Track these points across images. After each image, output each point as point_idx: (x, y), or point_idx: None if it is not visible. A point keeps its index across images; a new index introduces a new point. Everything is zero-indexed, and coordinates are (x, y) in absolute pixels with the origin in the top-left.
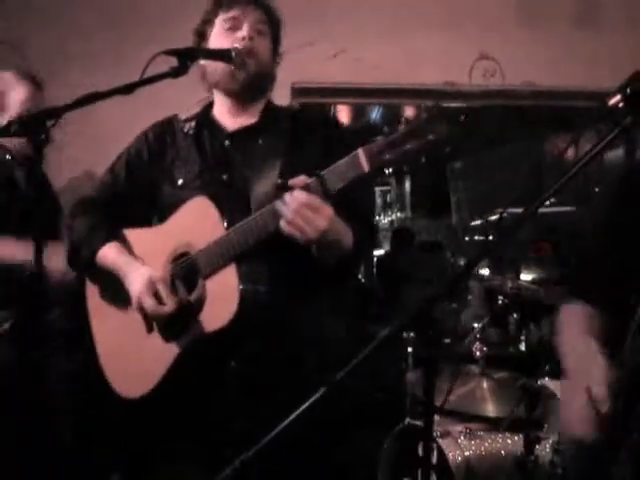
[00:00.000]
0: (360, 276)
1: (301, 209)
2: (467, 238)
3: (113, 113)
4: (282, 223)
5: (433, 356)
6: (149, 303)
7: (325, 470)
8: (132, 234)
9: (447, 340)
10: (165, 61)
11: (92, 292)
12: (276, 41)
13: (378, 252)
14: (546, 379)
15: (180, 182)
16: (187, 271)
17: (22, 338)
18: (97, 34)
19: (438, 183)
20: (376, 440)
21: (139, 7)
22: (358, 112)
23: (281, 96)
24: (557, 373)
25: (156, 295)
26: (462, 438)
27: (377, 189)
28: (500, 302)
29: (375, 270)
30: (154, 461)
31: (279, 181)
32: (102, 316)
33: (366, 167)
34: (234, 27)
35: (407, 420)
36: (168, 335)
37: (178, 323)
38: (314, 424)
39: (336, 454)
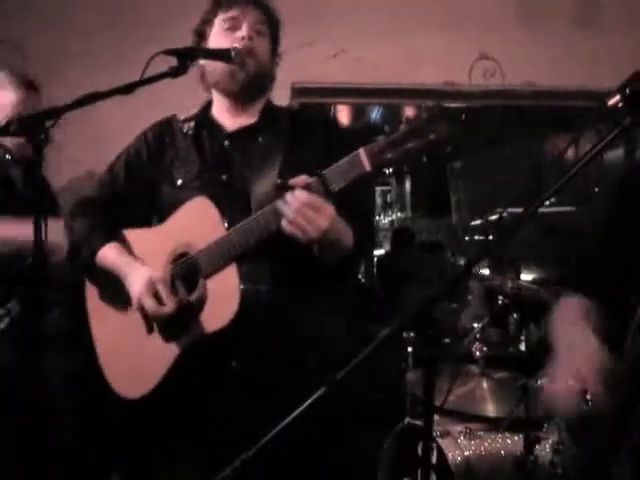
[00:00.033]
0: (360, 276)
1: (303, 208)
2: (467, 238)
3: (113, 113)
4: (283, 223)
5: (433, 356)
6: (149, 303)
7: (325, 470)
8: (132, 234)
9: (447, 340)
10: (165, 61)
11: (92, 293)
12: (275, 41)
13: (378, 252)
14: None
15: (179, 182)
16: (187, 271)
17: (21, 337)
18: (97, 34)
19: (438, 183)
20: (376, 440)
21: (139, 7)
22: (358, 112)
23: (281, 96)
24: None
25: (156, 295)
26: (462, 438)
27: (377, 189)
28: (500, 302)
29: (375, 270)
30: (154, 461)
31: (279, 181)
32: (102, 317)
33: (367, 166)
34: (233, 27)
35: (407, 420)
36: (168, 335)
37: (178, 323)
38: (314, 424)
39: (336, 454)
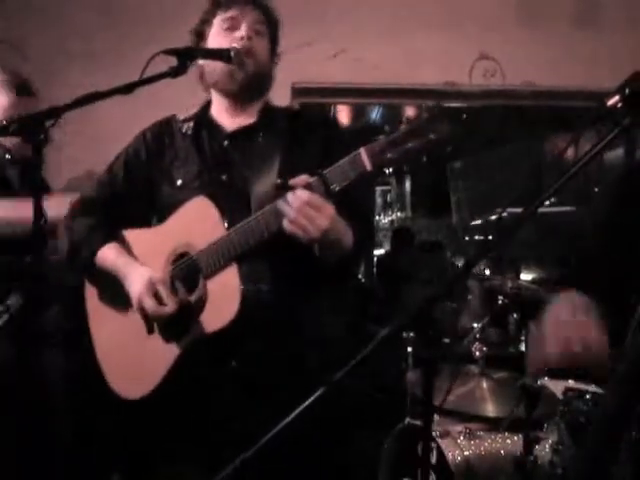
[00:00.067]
0: (360, 276)
1: (304, 208)
2: (467, 238)
3: (113, 113)
4: (284, 222)
5: (433, 356)
6: (149, 304)
7: (325, 470)
8: (131, 235)
9: (447, 340)
10: (165, 61)
11: (91, 293)
12: (274, 41)
13: (378, 252)
14: (546, 379)
15: (179, 182)
16: (187, 271)
17: (21, 336)
18: (97, 34)
19: (438, 183)
20: (376, 440)
21: (139, 7)
22: (358, 112)
23: (281, 96)
24: (557, 373)
25: (156, 296)
26: (462, 438)
27: (377, 189)
28: (500, 302)
29: (375, 270)
30: (154, 461)
31: (278, 181)
32: (101, 317)
33: (368, 166)
34: (232, 27)
35: (407, 420)
36: (169, 336)
37: (179, 324)
38: (314, 424)
39: (336, 454)
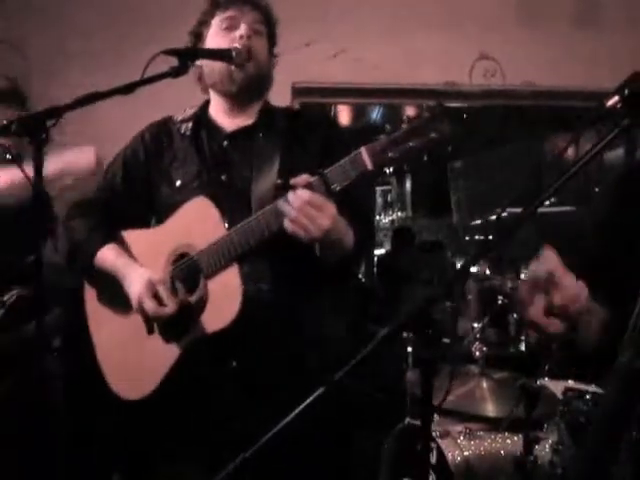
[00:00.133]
0: (361, 275)
1: (305, 207)
2: (468, 238)
3: (113, 113)
4: (285, 222)
5: (433, 356)
6: (149, 304)
7: (325, 470)
8: (131, 235)
9: (446, 340)
10: (165, 61)
11: (91, 294)
12: (272, 41)
13: (379, 251)
14: (546, 379)
15: (179, 183)
16: (188, 272)
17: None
18: (97, 34)
19: (439, 182)
20: (376, 440)
21: (139, 7)
22: (359, 112)
23: (281, 96)
24: (557, 373)
25: (156, 296)
26: (462, 438)
27: (378, 188)
28: (500, 302)
29: (376, 269)
30: (154, 461)
31: (278, 181)
32: (101, 318)
33: (369, 165)
34: (231, 27)
35: (407, 420)
36: (169, 336)
37: (179, 324)
38: (314, 424)
39: (336, 454)
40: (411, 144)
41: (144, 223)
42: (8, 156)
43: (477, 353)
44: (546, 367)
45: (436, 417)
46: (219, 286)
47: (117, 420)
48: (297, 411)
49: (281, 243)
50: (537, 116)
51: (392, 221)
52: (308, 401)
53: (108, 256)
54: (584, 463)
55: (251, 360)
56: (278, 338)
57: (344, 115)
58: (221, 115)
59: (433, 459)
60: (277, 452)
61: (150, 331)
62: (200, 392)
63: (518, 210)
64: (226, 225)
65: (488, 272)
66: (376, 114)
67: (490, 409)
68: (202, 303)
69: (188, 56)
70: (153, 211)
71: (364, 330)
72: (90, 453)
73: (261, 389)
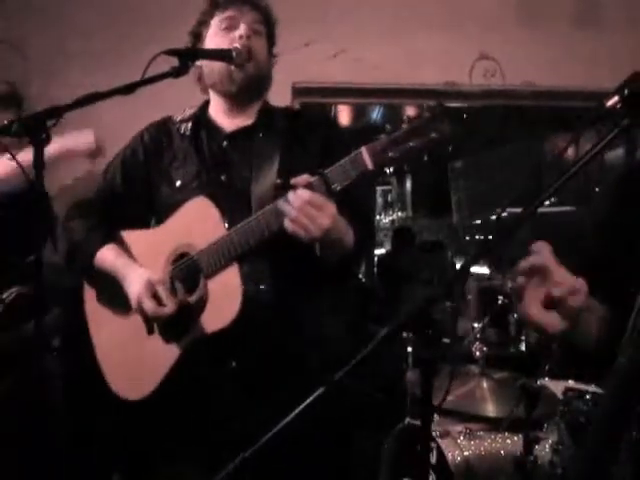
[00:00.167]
0: (361, 275)
1: (305, 207)
2: (468, 237)
3: (113, 113)
4: (285, 221)
5: (433, 356)
6: (148, 305)
7: (325, 470)
8: (130, 236)
9: (446, 340)
10: (165, 61)
11: (90, 295)
12: (272, 41)
13: (379, 251)
14: (546, 379)
15: (178, 183)
16: (188, 272)
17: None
18: (97, 34)
19: (439, 182)
20: (376, 440)
21: (139, 7)
22: (359, 112)
23: (281, 96)
24: (557, 373)
25: (155, 296)
26: (462, 438)
27: (378, 188)
28: (500, 302)
29: (376, 269)
30: (154, 461)
31: (278, 181)
32: (101, 319)
33: (370, 165)
34: (230, 27)
35: (407, 420)
36: (169, 336)
37: (179, 324)
38: (314, 424)
39: (336, 454)
40: (411, 144)
41: (144, 223)
42: (8, 156)
43: (477, 353)
44: (546, 367)
45: (436, 417)
46: (219, 286)
47: (117, 420)
48: (297, 411)
49: (281, 243)
50: (537, 116)
51: (392, 221)
52: (308, 401)
53: (107, 256)
54: (584, 463)
55: (251, 360)
56: (278, 338)
57: (344, 115)
58: (221, 115)
59: (433, 459)
60: (277, 452)
61: (150, 331)
62: (200, 392)
63: (518, 210)
64: (226, 225)
65: (488, 272)
66: (376, 114)
67: (490, 409)
68: (202, 303)
69: (189, 56)
70: (153, 211)
71: (364, 330)
72: (90, 453)
73: (261, 389)
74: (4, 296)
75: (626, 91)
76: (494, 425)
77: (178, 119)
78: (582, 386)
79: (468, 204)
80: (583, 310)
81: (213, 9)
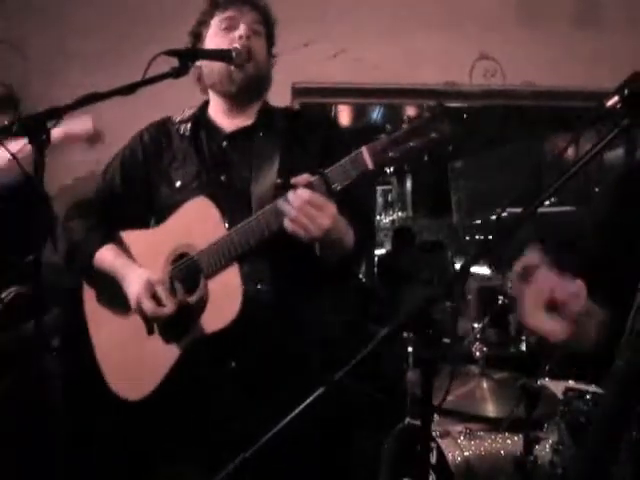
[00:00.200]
0: (361, 275)
1: (305, 207)
2: (468, 237)
3: (113, 113)
4: (285, 221)
5: (433, 356)
6: (148, 305)
7: (325, 470)
8: (130, 236)
9: (447, 340)
10: (165, 61)
11: (89, 295)
12: (271, 42)
13: (379, 251)
14: (546, 379)
15: (178, 184)
16: (187, 272)
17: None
18: (97, 34)
19: (439, 182)
20: (376, 440)
21: (139, 7)
22: (359, 112)
23: (281, 96)
24: (557, 373)
25: (155, 297)
26: (462, 438)
27: (378, 188)
28: (500, 302)
29: (376, 269)
30: (154, 461)
31: (278, 181)
32: (100, 319)
33: (370, 165)
34: (230, 27)
35: (407, 420)
36: (169, 336)
37: (179, 324)
38: (314, 424)
39: (336, 454)
40: (412, 144)
41: (143, 223)
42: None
43: (477, 353)
44: (546, 367)
45: (436, 417)
46: (219, 286)
47: (117, 420)
48: (297, 411)
49: (281, 243)
50: (537, 116)
51: (392, 221)
52: (308, 401)
53: (107, 256)
54: (584, 463)
55: (251, 360)
56: (278, 338)
57: (344, 115)
58: (220, 115)
59: (433, 459)
60: (277, 452)
61: (150, 331)
62: (200, 392)
63: (518, 210)
64: (226, 225)
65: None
66: (376, 114)
67: (490, 409)
68: (202, 303)
69: (188, 57)
70: (152, 211)
71: (364, 330)
72: (90, 453)
73: (261, 389)
74: (3, 296)
75: (626, 91)
76: (494, 425)
77: (177, 120)
78: (582, 386)
79: (468, 204)
80: (582, 314)
81: (213, 9)
